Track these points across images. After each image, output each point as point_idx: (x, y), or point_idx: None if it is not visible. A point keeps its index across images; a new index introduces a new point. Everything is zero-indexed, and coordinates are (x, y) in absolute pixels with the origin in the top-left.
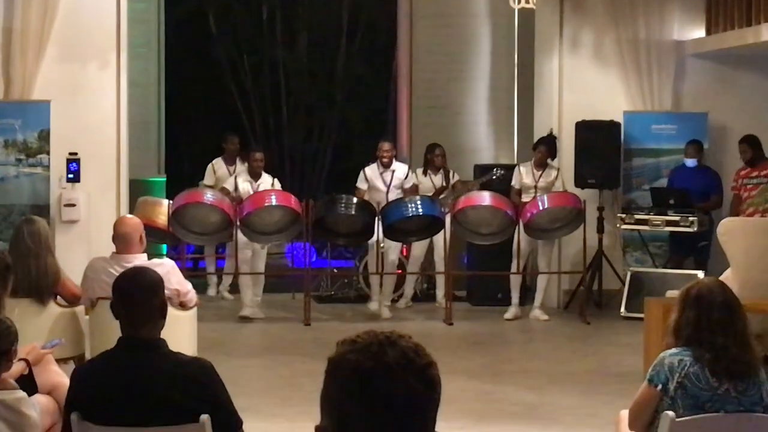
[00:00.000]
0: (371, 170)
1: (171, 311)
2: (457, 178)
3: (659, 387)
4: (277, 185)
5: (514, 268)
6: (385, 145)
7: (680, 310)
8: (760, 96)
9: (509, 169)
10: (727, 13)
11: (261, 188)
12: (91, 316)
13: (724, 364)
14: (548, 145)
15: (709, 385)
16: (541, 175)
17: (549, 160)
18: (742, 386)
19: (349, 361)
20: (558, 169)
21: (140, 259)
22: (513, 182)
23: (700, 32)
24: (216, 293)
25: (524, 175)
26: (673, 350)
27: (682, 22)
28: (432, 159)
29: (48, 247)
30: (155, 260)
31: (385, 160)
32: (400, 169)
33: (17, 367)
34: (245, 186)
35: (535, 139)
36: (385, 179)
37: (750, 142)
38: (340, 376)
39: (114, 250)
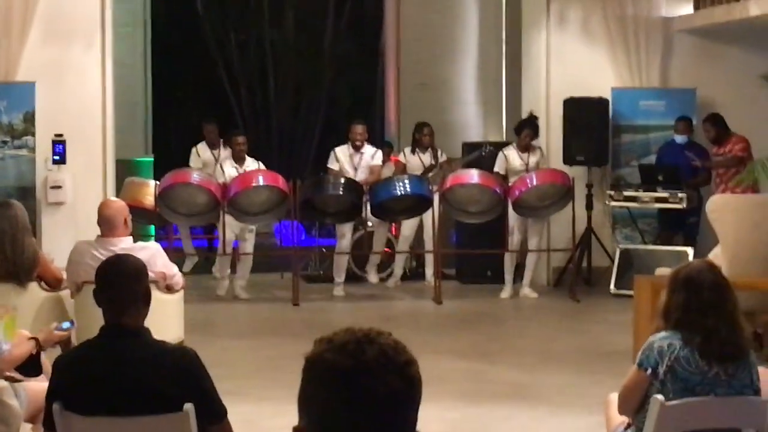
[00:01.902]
0: (341, 151)
1: (157, 295)
2: (445, 156)
3: (649, 371)
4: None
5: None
6: (358, 128)
7: (669, 293)
8: (748, 71)
9: (498, 146)
10: None
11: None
12: (77, 300)
13: (715, 347)
14: (532, 127)
15: (699, 368)
16: (529, 157)
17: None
18: (732, 369)
19: (326, 361)
20: (540, 148)
21: (125, 242)
22: (497, 168)
23: (687, 8)
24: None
25: (512, 160)
26: (663, 334)
27: None
28: (420, 138)
29: (26, 229)
30: (140, 243)
31: (357, 143)
32: (368, 151)
33: (26, 347)
34: (231, 171)
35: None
36: (355, 161)
37: (712, 121)
38: (318, 376)
39: (99, 233)
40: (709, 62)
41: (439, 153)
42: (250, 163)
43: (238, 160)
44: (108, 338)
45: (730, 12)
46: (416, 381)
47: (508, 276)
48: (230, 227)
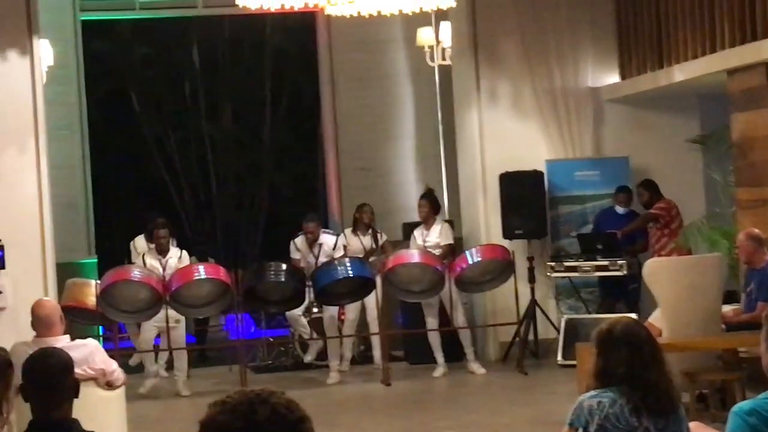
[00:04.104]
0: (300, 241)
1: (98, 391)
2: (385, 238)
3: (580, 430)
4: (185, 257)
5: (432, 326)
6: (309, 226)
7: (606, 351)
8: (678, 136)
9: None
10: (639, 57)
11: (170, 263)
12: (16, 403)
13: (653, 400)
14: (428, 199)
15: (629, 424)
16: (427, 235)
17: (437, 217)
18: (662, 423)
19: (219, 423)
20: (443, 223)
21: (63, 341)
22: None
23: (614, 77)
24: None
25: (417, 237)
26: (591, 393)
27: (596, 68)
28: (360, 216)
29: None
30: (78, 341)
31: (309, 238)
32: (328, 241)
33: None
34: (153, 263)
35: (462, 194)
36: (314, 251)
37: (645, 185)
38: None
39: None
40: (639, 129)
41: (379, 235)
42: (174, 252)
43: (161, 252)
44: None
45: (655, 79)
46: None
47: (438, 355)
48: (149, 324)
